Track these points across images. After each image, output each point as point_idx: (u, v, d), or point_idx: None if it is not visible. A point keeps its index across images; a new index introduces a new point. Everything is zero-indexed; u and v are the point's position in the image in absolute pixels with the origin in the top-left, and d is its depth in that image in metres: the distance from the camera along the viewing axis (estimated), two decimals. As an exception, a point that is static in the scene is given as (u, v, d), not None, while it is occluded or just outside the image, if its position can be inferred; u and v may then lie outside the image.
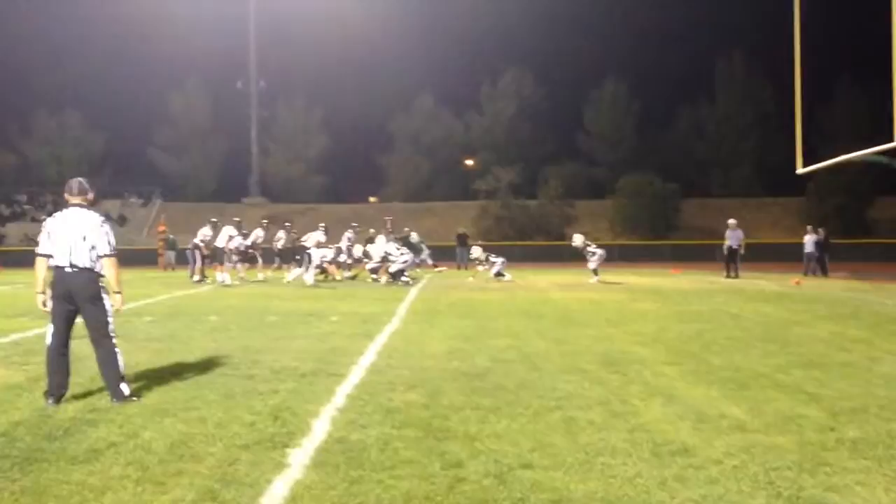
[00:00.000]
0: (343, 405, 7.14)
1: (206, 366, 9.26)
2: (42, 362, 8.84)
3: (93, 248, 7.57)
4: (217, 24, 73.44)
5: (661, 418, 6.67)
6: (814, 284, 25.53)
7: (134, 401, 7.40)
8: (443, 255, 41.37)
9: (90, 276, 7.58)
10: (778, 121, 63.38)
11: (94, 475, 5.19)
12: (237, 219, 28.76)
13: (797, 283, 25.52)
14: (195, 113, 77.93)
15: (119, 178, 73.72)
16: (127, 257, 37.02)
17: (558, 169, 65.57)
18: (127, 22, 77.36)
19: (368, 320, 14.19)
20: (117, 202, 68.40)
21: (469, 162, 74.01)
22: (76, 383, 8.05)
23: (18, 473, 5.23)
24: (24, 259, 45.96)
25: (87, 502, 4.75)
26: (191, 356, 10.01)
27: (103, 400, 7.33)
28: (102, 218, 7.70)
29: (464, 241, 40.32)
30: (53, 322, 7.60)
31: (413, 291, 21.65)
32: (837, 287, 23.98)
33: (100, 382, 7.97)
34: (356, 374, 8.72)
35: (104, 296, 7.66)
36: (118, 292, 7.71)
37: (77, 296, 7.54)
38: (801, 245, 33.72)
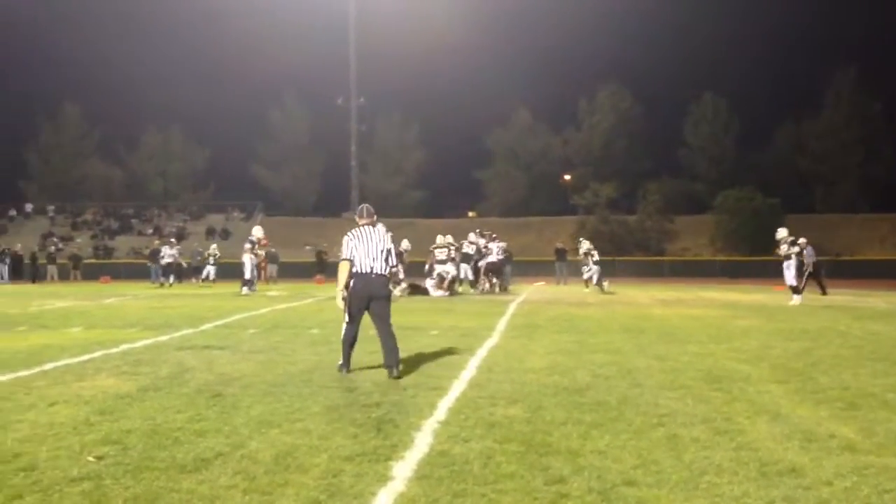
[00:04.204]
0: (445, 418, 7.15)
1: (308, 378, 9.37)
2: (150, 372, 9.29)
3: (388, 258, 9.72)
4: (314, 41, 74.83)
5: (767, 437, 6.54)
6: (925, 302, 24.73)
7: (399, 380, 9.18)
8: (541, 269, 41.26)
9: (385, 281, 9.76)
10: (886, 137, 61.84)
11: (203, 484, 5.28)
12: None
13: (907, 300, 24.76)
14: (295, 128, 79.31)
15: (222, 193, 75.45)
16: (231, 271, 37.81)
17: (657, 184, 64.98)
18: (229, 41, 79.38)
19: (468, 334, 14.21)
20: (221, 216, 69.89)
21: (567, 177, 73.77)
22: (183, 394, 8.27)
23: (131, 480, 5.34)
24: (132, 271, 47.46)
25: (196, 510, 4.85)
26: (294, 368, 10.15)
27: (210, 410, 7.48)
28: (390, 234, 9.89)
29: (563, 255, 40.17)
30: (354, 315, 9.66)
31: (512, 306, 21.62)
32: (950, 305, 23.22)
33: (206, 394, 8.21)
34: (457, 387, 8.73)
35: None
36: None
37: (375, 295, 9.63)
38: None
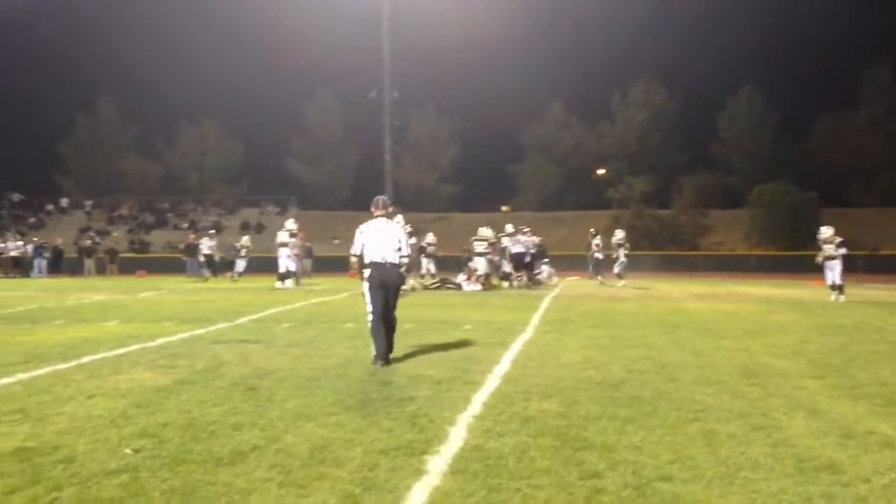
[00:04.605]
0: (479, 413, 7.15)
1: (343, 372, 9.41)
2: (186, 366, 9.38)
3: (400, 247, 10.27)
4: (349, 35, 74.97)
5: (804, 433, 6.49)
6: (964, 297, 24.41)
7: (392, 364, 9.88)
8: (574, 264, 41.12)
9: (398, 270, 10.30)
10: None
11: (240, 477, 5.32)
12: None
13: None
14: (329, 122, 79.52)
15: (257, 187, 75.74)
16: (264, 265, 38.02)
17: (692, 178, 64.58)
18: (264, 36, 79.78)
19: (502, 329, 14.19)
20: (255, 210, 70.11)
21: (601, 171, 73.45)
22: (218, 387, 8.33)
23: (168, 473, 5.39)
24: (168, 265, 47.74)
25: (233, 503, 4.88)
26: (328, 362, 10.19)
27: (246, 404, 7.53)
28: (407, 228, 9.86)
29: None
30: (374, 304, 10.09)
31: (545, 301, 21.57)
32: None
33: (241, 387, 8.28)
34: (491, 382, 8.73)
35: None
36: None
37: (389, 283, 10.18)
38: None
